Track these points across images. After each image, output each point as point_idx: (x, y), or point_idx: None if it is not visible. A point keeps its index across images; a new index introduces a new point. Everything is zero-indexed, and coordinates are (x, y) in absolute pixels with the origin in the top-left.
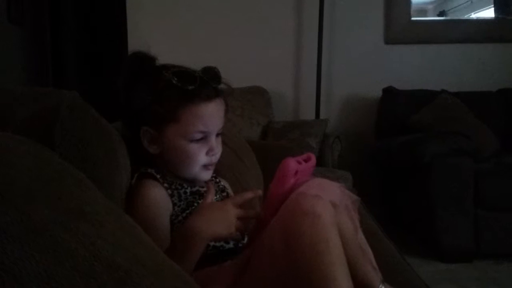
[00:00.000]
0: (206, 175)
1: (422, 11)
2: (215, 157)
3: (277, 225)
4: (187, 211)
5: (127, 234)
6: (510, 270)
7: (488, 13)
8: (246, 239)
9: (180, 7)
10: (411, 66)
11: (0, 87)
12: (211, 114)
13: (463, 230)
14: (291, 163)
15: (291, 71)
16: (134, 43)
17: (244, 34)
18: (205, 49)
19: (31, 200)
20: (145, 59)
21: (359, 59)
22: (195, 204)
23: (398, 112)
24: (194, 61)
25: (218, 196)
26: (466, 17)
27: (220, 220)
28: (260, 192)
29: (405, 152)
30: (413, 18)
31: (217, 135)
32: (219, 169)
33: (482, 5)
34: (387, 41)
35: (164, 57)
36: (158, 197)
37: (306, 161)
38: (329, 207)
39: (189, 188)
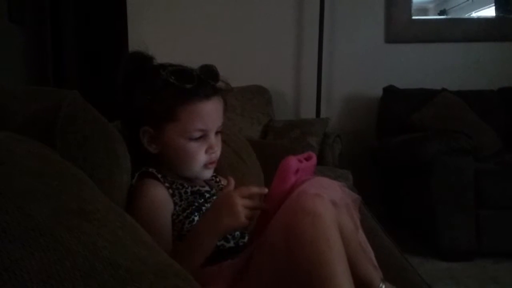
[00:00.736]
0: (207, 173)
1: (423, 10)
2: (215, 155)
3: (278, 224)
4: (188, 211)
5: (128, 233)
6: (510, 269)
7: (489, 11)
8: (246, 238)
9: (180, 6)
10: (412, 65)
11: (0, 86)
12: (209, 112)
13: (464, 228)
14: (292, 162)
15: (292, 70)
16: (134, 43)
17: (245, 33)
18: (205, 48)
19: (31, 200)
20: (143, 59)
21: (359, 57)
22: (196, 204)
23: (399, 111)
24: (194, 61)
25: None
26: (467, 16)
27: (228, 211)
28: (265, 190)
29: (405, 151)
30: (414, 17)
31: (217, 133)
32: (219, 169)
33: (482, 4)
34: (388, 40)
35: (164, 56)
36: (159, 197)
37: (307, 159)
38: (329, 206)
39: (189, 187)
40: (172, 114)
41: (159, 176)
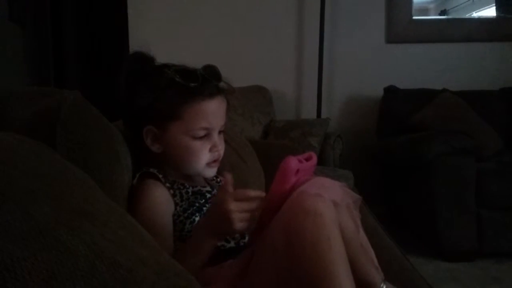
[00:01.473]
0: (210, 172)
1: (424, 10)
2: (218, 154)
3: (278, 224)
4: (189, 211)
5: (129, 233)
6: None
7: (490, 12)
8: (247, 238)
9: (181, 7)
10: (413, 65)
11: (1, 86)
12: (213, 111)
13: (465, 229)
14: (292, 162)
15: (293, 70)
16: (135, 43)
17: (246, 33)
18: (206, 48)
19: (33, 200)
20: (145, 59)
21: (360, 58)
22: (197, 204)
23: (400, 111)
24: (195, 61)
25: None
26: (467, 16)
27: (221, 218)
28: (263, 193)
29: (406, 151)
30: (414, 17)
31: (219, 132)
32: (220, 169)
33: (483, 4)
34: (389, 40)
35: (165, 56)
36: (161, 197)
37: (307, 160)
38: (330, 206)
39: (190, 188)
40: (176, 112)
41: (160, 176)
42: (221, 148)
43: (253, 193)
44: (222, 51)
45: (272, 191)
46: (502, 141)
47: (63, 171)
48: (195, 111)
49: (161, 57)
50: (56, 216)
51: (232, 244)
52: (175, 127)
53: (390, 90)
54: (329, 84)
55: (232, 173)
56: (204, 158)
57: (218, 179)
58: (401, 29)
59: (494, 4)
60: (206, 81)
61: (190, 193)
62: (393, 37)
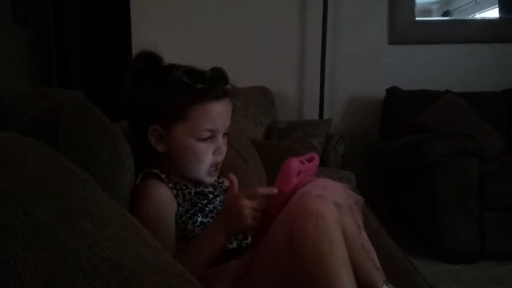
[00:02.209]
0: (210, 180)
1: (427, 11)
2: (221, 156)
3: (280, 225)
4: (191, 211)
5: (131, 234)
6: None
7: (493, 13)
8: (249, 239)
9: (183, 8)
10: (415, 66)
11: (4, 86)
12: (219, 113)
13: (467, 230)
14: (294, 163)
15: (295, 71)
16: (138, 44)
17: (248, 34)
18: (209, 49)
19: (35, 200)
20: (153, 58)
21: (363, 59)
22: (199, 205)
23: (402, 112)
24: (198, 61)
25: (222, 197)
26: (470, 17)
27: (235, 214)
28: (275, 190)
29: (409, 153)
30: (417, 18)
31: (224, 134)
32: (222, 170)
33: (486, 5)
34: (391, 41)
35: (168, 57)
36: (163, 197)
37: (309, 161)
38: (332, 207)
39: (193, 188)
40: (183, 113)
41: (163, 176)
42: (224, 151)
43: (264, 190)
44: (224, 52)
45: None
46: (505, 143)
47: (65, 171)
48: (201, 112)
49: (164, 58)
50: (58, 216)
51: (234, 245)
52: (181, 128)
53: (393, 91)
54: (332, 85)
55: (234, 173)
56: (208, 160)
57: (220, 180)
58: (404, 30)
59: (498, 5)
60: (213, 83)
61: (192, 194)
62: (395, 38)
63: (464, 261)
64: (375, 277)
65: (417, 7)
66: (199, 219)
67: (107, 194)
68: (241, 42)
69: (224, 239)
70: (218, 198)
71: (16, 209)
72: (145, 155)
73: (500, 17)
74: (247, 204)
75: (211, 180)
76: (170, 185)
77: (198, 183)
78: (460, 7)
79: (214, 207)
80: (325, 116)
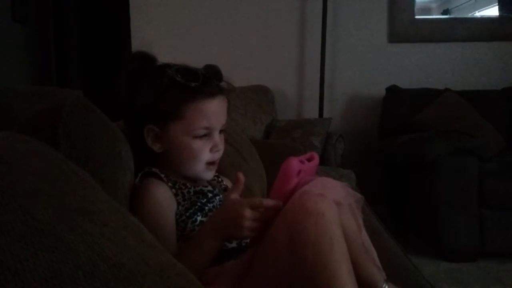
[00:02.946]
0: (209, 175)
1: (426, 10)
2: (218, 154)
3: (281, 224)
4: (190, 211)
5: (131, 233)
6: None
7: (492, 11)
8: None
9: (183, 7)
10: (415, 65)
11: (4, 86)
12: (214, 110)
13: (467, 229)
14: (294, 163)
15: (295, 70)
16: (137, 43)
17: (248, 33)
18: (208, 48)
19: (35, 200)
20: (147, 58)
21: (362, 57)
22: (198, 204)
23: (402, 111)
24: (197, 61)
25: (221, 195)
26: (470, 15)
27: (233, 222)
28: (280, 203)
29: (409, 151)
30: (417, 17)
31: (220, 132)
32: (222, 168)
33: (486, 3)
34: (391, 40)
35: (167, 56)
36: (163, 196)
37: (309, 160)
38: (332, 206)
39: (192, 187)
40: (177, 112)
41: (162, 176)
42: (221, 148)
43: (270, 202)
44: (224, 51)
45: (274, 191)
46: (505, 141)
47: (65, 171)
48: (196, 110)
49: (163, 57)
50: (58, 215)
51: (234, 244)
52: (176, 126)
53: (392, 90)
54: (331, 83)
55: (234, 172)
56: (205, 157)
57: (220, 179)
58: (404, 28)
59: (497, 3)
60: (207, 81)
61: (192, 193)
62: (395, 36)
63: (464, 259)
64: (375, 276)
65: (417, 6)
66: (199, 218)
67: (107, 193)
68: (241, 41)
69: (219, 244)
70: (217, 197)
71: (16, 209)
72: (144, 155)
73: (499, 15)
74: (248, 216)
75: (209, 176)
76: (170, 184)
77: (197, 181)
78: (460, 5)
79: (213, 206)
80: (325, 115)
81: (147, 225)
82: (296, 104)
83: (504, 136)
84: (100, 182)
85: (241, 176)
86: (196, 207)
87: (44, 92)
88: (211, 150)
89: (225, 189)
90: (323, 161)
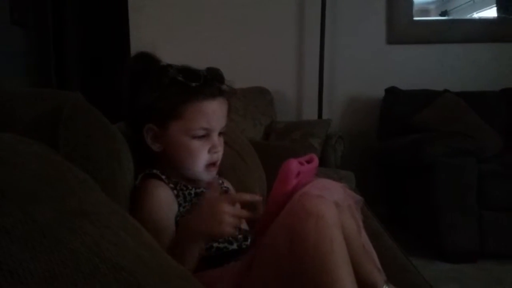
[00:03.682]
0: (209, 176)
1: (424, 11)
2: (217, 155)
3: (280, 226)
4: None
5: (131, 234)
6: None
7: (491, 12)
8: (249, 240)
9: (182, 8)
10: (414, 66)
11: (3, 88)
12: (214, 112)
13: (467, 230)
14: (293, 165)
15: (294, 71)
16: (136, 45)
17: (246, 35)
18: (207, 50)
19: (35, 201)
20: (150, 59)
21: (361, 59)
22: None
23: (401, 112)
24: (196, 62)
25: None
26: (468, 16)
27: (209, 216)
28: (260, 198)
29: (408, 152)
30: (415, 18)
31: (219, 134)
32: (222, 170)
33: (484, 5)
34: (389, 41)
35: (166, 58)
36: (164, 198)
37: (308, 162)
38: (332, 207)
39: (193, 189)
40: (177, 111)
41: (163, 177)
42: (220, 150)
43: (248, 197)
44: (223, 52)
45: (273, 193)
46: (504, 142)
47: (65, 173)
48: (195, 110)
49: (162, 59)
50: (57, 217)
51: (234, 246)
52: (175, 126)
53: (391, 91)
54: (330, 85)
55: (233, 174)
56: (203, 158)
57: (220, 181)
58: (402, 30)
59: (495, 4)
60: (208, 82)
61: (193, 195)
62: (394, 38)
63: (464, 260)
64: (375, 277)
65: (415, 7)
66: None
67: (107, 195)
68: (240, 43)
69: (200, 247)
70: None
71: (16, 210)
72: (144, 156)
73: (497, 16)
74: (227, 210)
75: (209, 177)
76: (171, 185)
77: (197, 182)
78: (458, 6)
79: None
80: (324, 116)
81: (147, 227)
82: (296, 106)
83: (503, 136)
84: (100, 184)
85: (215, 182)
86: (197, 209)
87: (44, 95)
88: (209, 151)
89: (226, 191)
90: (322, 163)
